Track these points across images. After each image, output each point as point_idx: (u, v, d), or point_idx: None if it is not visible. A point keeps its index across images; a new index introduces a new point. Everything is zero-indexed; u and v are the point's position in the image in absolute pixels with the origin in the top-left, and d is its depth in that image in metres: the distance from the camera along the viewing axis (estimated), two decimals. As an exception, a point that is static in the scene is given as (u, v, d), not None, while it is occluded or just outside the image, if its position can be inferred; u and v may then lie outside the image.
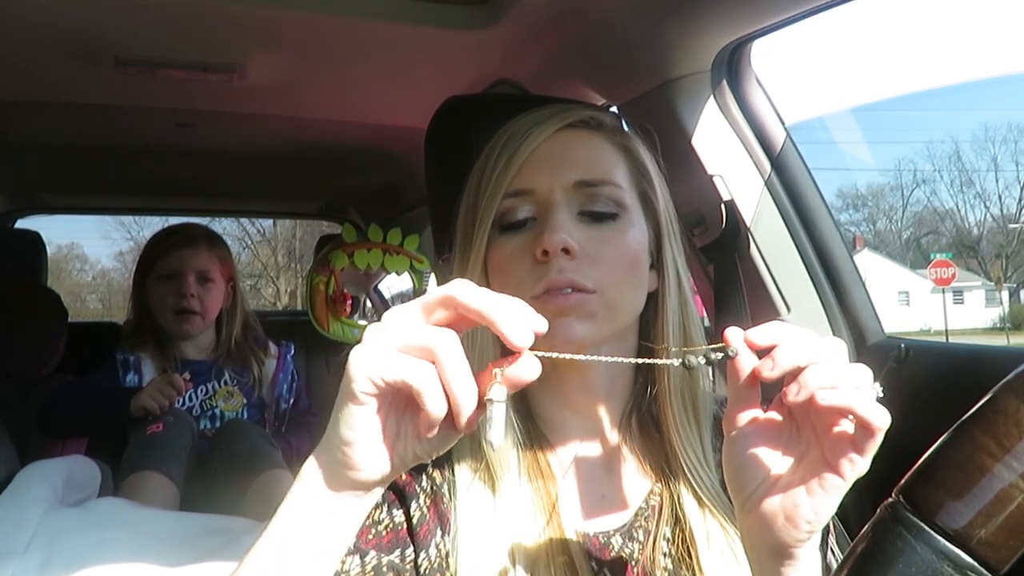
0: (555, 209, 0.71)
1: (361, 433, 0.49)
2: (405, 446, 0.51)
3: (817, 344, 0.51)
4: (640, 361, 0.63)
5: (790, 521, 0.53)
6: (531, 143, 0.73)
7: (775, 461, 0.55)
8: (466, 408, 0.47)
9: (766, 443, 0.55)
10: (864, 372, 0.51)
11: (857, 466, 0.51)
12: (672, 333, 0.75)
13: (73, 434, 1.91)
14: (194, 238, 2.01)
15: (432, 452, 0.52)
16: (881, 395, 0.51)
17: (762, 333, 0.52)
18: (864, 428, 0.50)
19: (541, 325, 0.47)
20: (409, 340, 0.48)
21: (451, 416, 0.48)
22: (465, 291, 0.48)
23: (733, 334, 0.53)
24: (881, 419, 0.49)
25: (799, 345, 0.51)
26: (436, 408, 0.47)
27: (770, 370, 0.51)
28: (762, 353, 0.53)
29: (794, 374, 0.51)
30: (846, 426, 0.51)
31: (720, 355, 0.53)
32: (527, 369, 0.48)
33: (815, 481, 0.52)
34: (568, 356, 0.52)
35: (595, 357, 0.55)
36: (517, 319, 0.46)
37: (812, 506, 0.52)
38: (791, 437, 0.55)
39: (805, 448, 0.54)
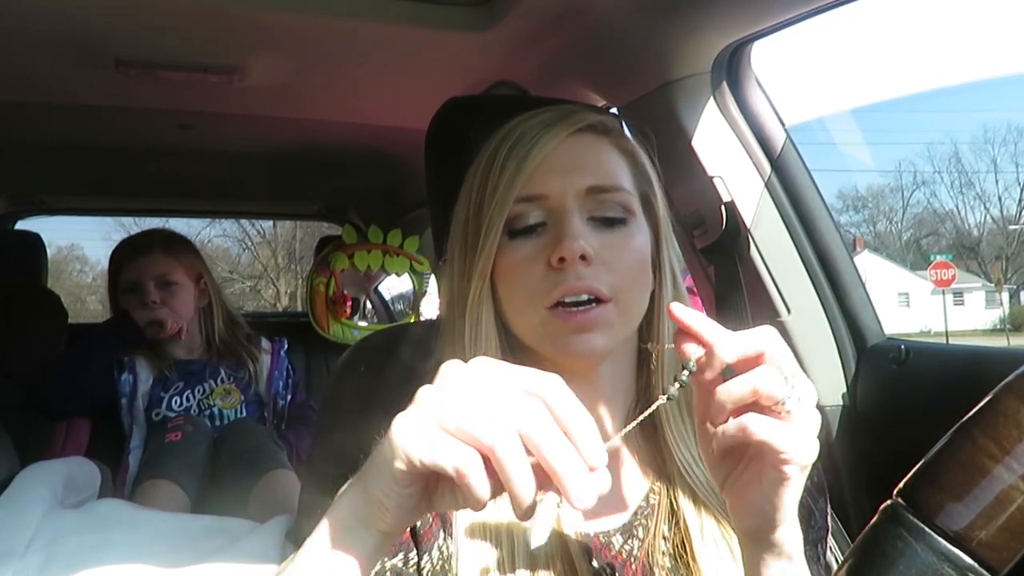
0: (569, 215, 0.70)
1: (397, 502, 0.49)
2: (442, 502, 0.50)
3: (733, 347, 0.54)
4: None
5: (746, 510, 0.57)
6: (542, 147, 0.72)
7: (735, 455, 0.57)
8: (524, 504, 0.45)
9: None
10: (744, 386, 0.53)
11: (788, 464, 0.53)
12: (669, 333, 0.75)
13: (78, 396, 1.87)
14: (148, 245, 1.99)
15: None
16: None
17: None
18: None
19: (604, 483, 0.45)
20: (463, 425, 0.45)
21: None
22: (559, 399, 0.46)
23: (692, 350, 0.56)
24: (760, 429, 0.52)
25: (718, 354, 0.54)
26: (480, 495, 0.45)
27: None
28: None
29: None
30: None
31: (686, 374, 0.56)
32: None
33: (765, 476, 0.54)
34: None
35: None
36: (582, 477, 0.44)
37: (765, 496, 0.55)
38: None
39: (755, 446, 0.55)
